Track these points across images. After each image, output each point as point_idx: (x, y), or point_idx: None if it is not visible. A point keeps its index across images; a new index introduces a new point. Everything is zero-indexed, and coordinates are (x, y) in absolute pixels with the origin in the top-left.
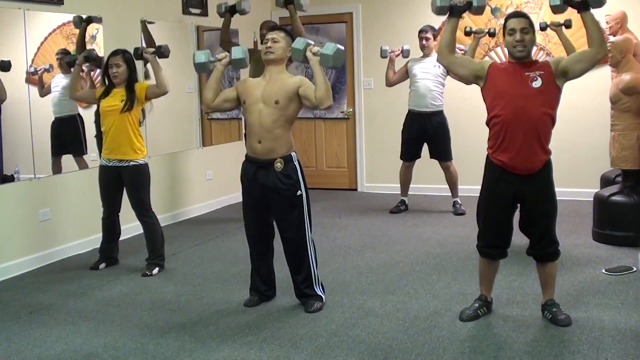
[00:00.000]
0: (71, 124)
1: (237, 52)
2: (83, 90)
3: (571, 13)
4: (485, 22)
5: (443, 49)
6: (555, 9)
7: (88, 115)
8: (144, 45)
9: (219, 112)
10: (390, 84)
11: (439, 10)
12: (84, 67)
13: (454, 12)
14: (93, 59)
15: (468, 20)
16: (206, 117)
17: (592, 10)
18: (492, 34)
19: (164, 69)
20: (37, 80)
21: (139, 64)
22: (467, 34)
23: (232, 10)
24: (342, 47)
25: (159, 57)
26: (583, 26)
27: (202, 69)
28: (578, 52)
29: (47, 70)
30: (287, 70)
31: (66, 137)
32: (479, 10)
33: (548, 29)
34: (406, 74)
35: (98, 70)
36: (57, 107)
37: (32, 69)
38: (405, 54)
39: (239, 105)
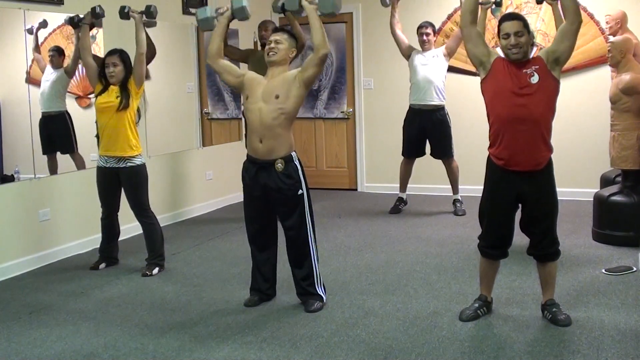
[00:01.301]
0: (60, 120)
1: (237, 1)
2: (93, 60)
3: None
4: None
5: (466, 15)
6: None
7: (89, 114)
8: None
9: (219, 81)
10: (394, 31)
11: None
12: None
13: None
14: (101, 16)
15: None
16: (206, 117)
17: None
18: (498, 3)
19: (163, 69)
20: (33, 37)
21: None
22: None
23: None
24: None
25: (147, 17)
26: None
27: (206, 25)
28: (557, 32)
29: (42, 26)
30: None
31: (55, 134)
32: None
33: (544, 3)
34: (407, 47)
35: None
36: (47, 103)
37: (28, 27)
38: None
39: (237, 87)
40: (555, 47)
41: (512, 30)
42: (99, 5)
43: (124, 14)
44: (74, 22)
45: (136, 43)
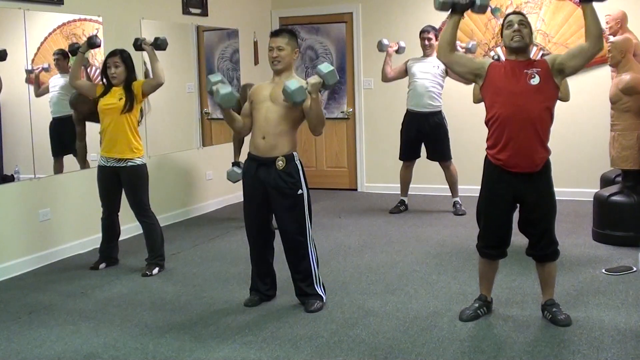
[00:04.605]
0: (70, 124)
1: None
2: (84, 80)
3: None
4: (485, 22)
5: (444, 47)
6: None
7: None
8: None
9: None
10: (387, 79)
11: (441, 6)
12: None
13: (457, 9)
14: (97, 46)
15: (468, 20)
16: (206, 117)
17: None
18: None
19: (165, 69)
20: (34, 79)
21: (138, 60)
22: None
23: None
24: (332, 66)
25: (156, 49)
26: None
27: (229, 101)
28: (574, 47)
29: (45, 70)
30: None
31: (66, 137)
32: (482, 9)
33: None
34: (404, 72)
35: (94, 68)
36: (56, 107)
37: (29, 68)
38: (400, 50)
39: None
40: (567, 60)
41: (516, 19)
42: (97, 36)
43: (137, 45)
44: (73, 48)
45: (153, 74)
